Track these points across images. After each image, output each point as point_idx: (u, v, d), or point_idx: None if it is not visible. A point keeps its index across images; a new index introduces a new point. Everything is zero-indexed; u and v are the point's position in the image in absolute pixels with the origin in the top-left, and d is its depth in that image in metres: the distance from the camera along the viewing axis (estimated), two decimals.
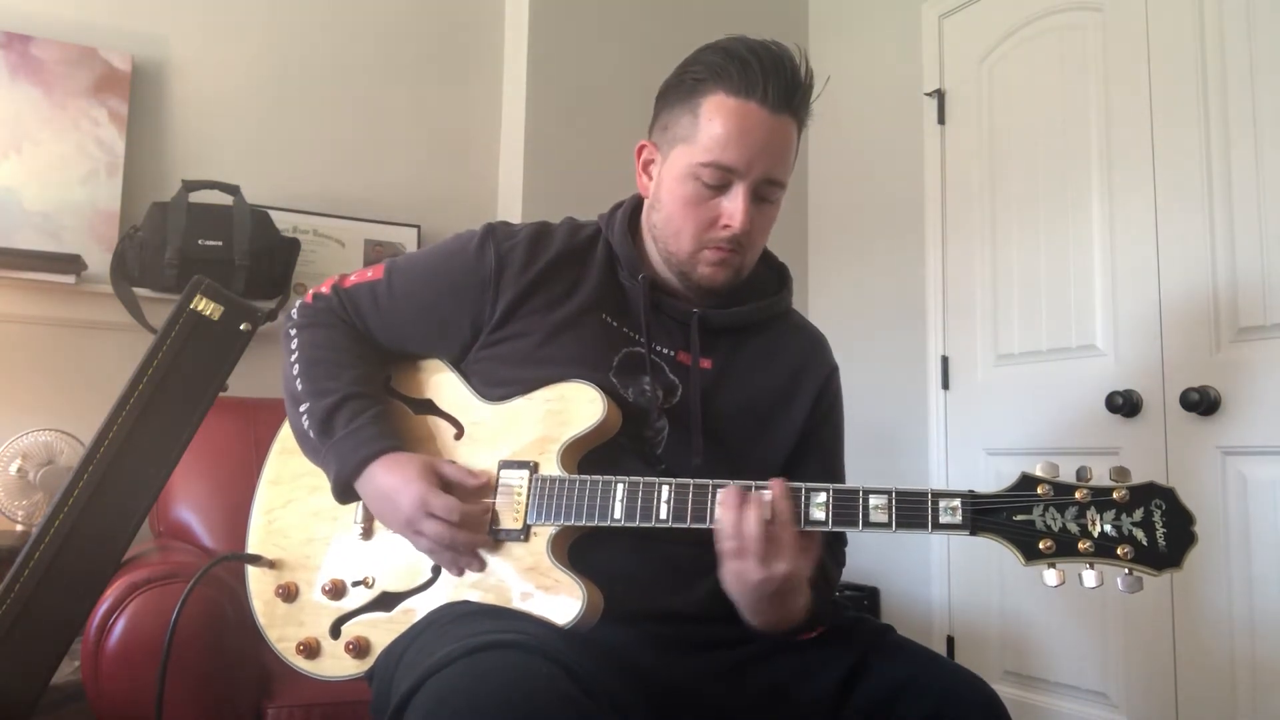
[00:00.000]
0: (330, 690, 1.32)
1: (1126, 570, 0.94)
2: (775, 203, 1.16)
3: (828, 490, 1.01)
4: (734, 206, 1.11)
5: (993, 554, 2.43)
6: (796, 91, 1.11)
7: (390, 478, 1.10)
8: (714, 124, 1.10)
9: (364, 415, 1.15)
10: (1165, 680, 2.06)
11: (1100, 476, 0.97)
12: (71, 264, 2.14)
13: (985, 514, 0.97)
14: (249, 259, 2.24)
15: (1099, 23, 2.33)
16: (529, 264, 1.18)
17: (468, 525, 1.09)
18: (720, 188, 1.12)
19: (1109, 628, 2.19)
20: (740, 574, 1.01)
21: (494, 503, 1.13)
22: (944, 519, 0.97)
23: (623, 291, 1.21)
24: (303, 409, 1.18)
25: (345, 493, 1.15)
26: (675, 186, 1.14)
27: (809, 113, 1.15)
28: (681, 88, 1.14)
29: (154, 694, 1.23)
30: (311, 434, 1.17)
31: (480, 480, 1.12)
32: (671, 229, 1.16)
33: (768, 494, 1.01)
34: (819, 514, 1.01)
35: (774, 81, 1.09)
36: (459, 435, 1.20)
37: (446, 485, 1.11)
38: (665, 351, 1.19)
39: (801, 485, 1.02)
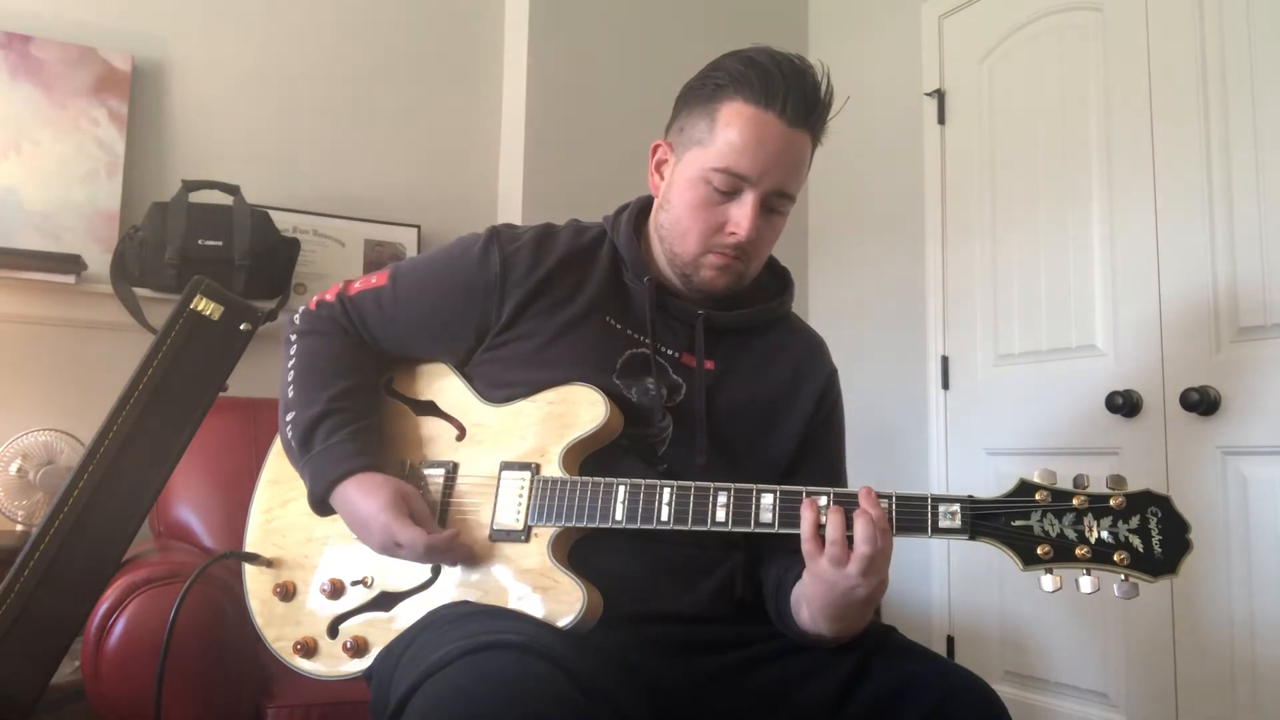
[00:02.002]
0: (330, 690, 1.32)
1: (1123, 576, 0.95)
2: (783, 214, 1.17)
3: (828, 494, 1.02)
4: (742, 214, 1.12)
5: (992, 555, 2.41)
6: (815, 107, 1.12)
7: (362, 503, 1.11)
8: (731, 131, 1.10)
9: (343, 431, 1.16)
10: (1165, 680, 2.06)
11: (1097, 483, 0.98)
12: (71, 264, 2.14)
13: (984, 519, 0.98)
14: (249, 259, 2.24)
15: (1099, 23, 2.33)
16: (533, 268, 1.19)
17: (438, 551, 1.09)
18: (730, 194, 1.12)
19: (1109, 628, 2.19)
20: (835, 582, 0.99)
21: (495, 503, 1.13)
22: (943, 524, 0.98)
23: (627, 293, 1.22)
24: (289, 417, 1.19)
25: (320, 507, 1.17)
26: (686, 189, 1.15)
27: (824, 130, 1.16)
28: (702, 92, 1.14)
29: (153, 693, 1.24)
30: (294, 444, 1.18)
31: (439, 538, 1.09)
32: (678, 230, 1.16)
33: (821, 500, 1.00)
34: (819, 517, 1.01)
35: (794, 95, 1.09)
36: (460, 437, 1.20)
37: (414, 514, 1.11)
38: (669, 353, 1.20)
39: (802, 489, 1.03)
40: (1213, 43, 2.08)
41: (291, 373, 1.23)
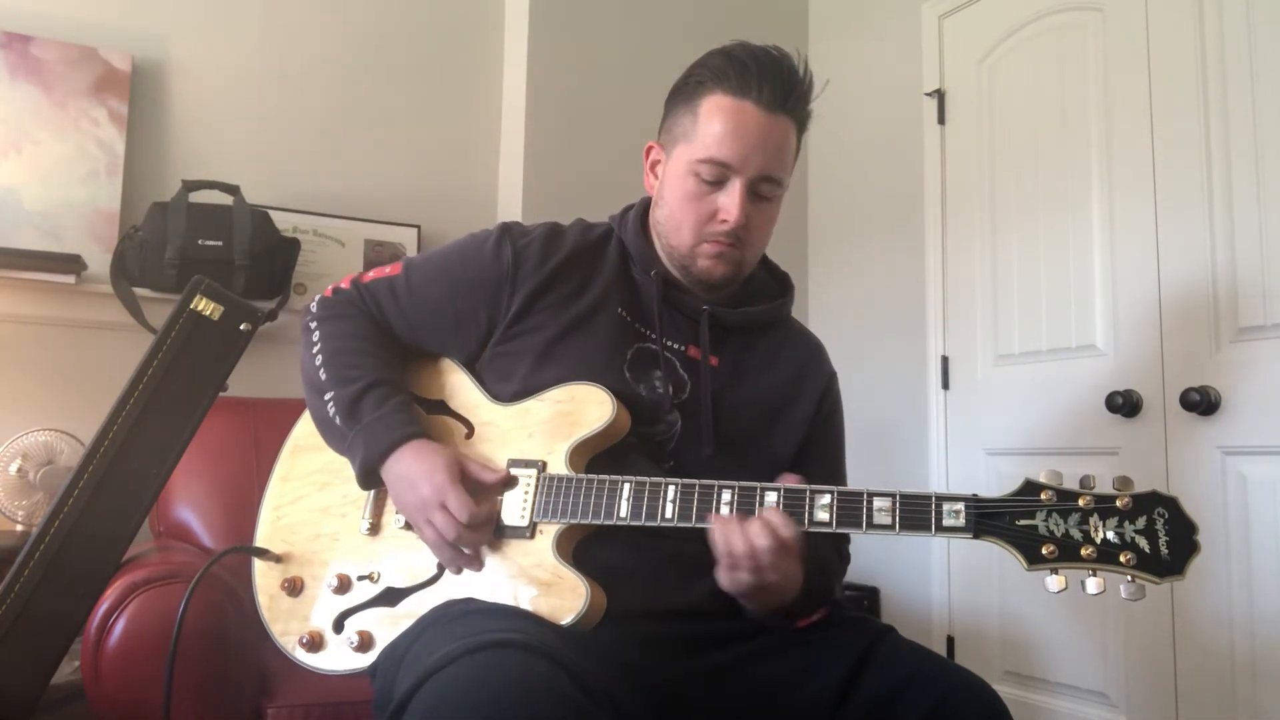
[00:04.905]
0: (331, 690, 1.32)
1: (1129, 577, 0.94)
2: (774, 200, 1.19)
3: (832, 493, 1.02)
4: (730, 202, 1.15)
5: (993, 554, 2.42)
6: (793, 92, 1.15)
7: (418, 463, 1.12)
8: (712, 122, 1.14)
9: (391, 401, 1.17)
10: (1165, 680, 2.06)
11: (1103, 484, 0.97)
12: (71, 264, 2.14)
13: (988, 518, 0.98)
14: (249, 259, 2.24)
15: (1099, 23, 2.33)
16: (544, 260, 1.22)
17: (475, 527, 1.10)
18: (717, 183, 1.16)
19: (1109, 628, 2.19)
20: (734, 580, 1.04)
21: (501, 501, 1.14)
22: (947, 521, 0.98)
23: (635, 287, 1.24)
24: (328, 397, 1.19)
25: (370, 476, 1.16)
26: (676, 183, 1.18)
27: (808, 114, 1.19)
28: (685, 90, 1.19)
29: (153, 694, 1.24)
30: (338, 420, 1.18)
31: (498, 477, 1.13)
32: (673, 224, 1.20)
33: (767, 509, 1.03)
34: (823, 515, 1.02)
35: (769, 82, 1.13)
36: (469, 435, 1.21)
37: (467, 483, 1.12)
38: (675, 346, 1.22)
39: (806, 487, 1.04)
40: (1213, 43, 2.08)
41: (319, 357, 1.23)
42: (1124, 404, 2.14)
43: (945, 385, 2.63)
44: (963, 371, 2.59)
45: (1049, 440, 2.33)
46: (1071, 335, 2.32)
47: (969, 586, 2.51)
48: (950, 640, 2.54)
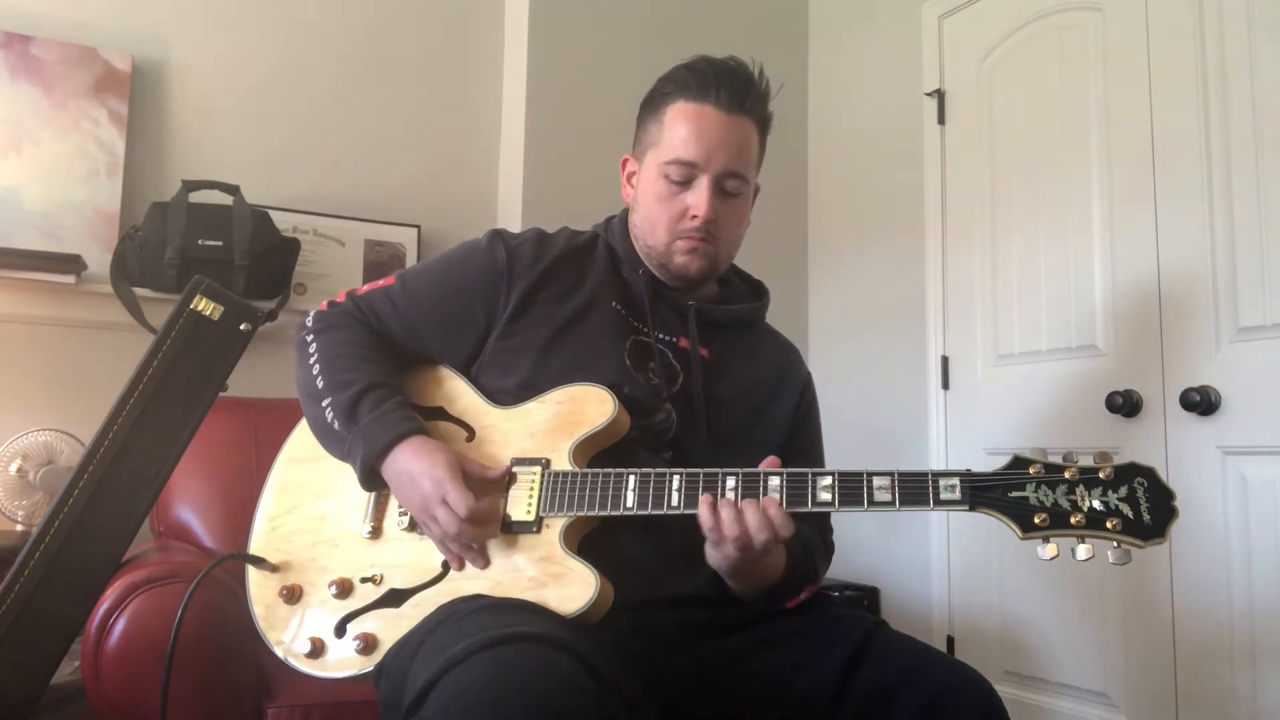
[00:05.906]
0: (331, 691, 1.32)
1: (1115, 543, 0.99)
2: (740, 196, 1.26)
3: (833, 474, 1.05)
4: (698, 198, 1.22)
5: (992, 554, 2.43)
6: (748, 94, 1.23)
7: (417, 460, 1.13)
8: (676, 127, 1.23)
9: (388, 402, 1.19)
10: (1165, 680, 2.06)
11: (1085, 460, 1.04)
12: (71, 264, 2.14)
13: (982, 491, 1.03)
14: (249, 259, 2.24)
15: (1099, 23, 2.33)
16: (537, 259, 1.27)
17: (476, 521, 1.10)
18: (685, 183, 1.23)
19: (1109, 628, 2.19)
20: (723, 555, 1.09)
21: (506, 497, 1.14)
22: (944, 496, 1.03)
23: (625, 284, 1.30)
24: (325, 403, 1.20)
25: (371, 476, 1.17)
26: (649, 187, 1.26)
27: (768, 115, 1.27)
28: (652, 103, 1.28)
29: (153, 694, 1.23)
30: (336, 425, 1.19)
31: (499, 473, 1.15)
32: (648, 224, 1.27)
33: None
34: (826, 495, 1.05)
35: (726, 86, 1.22)
36: (470, 438, 1.22)
37: (468, 480, 1.13)
38: (667, 338, 1.28)
39: (808, 470, 1.06)
40: (1213, 43, 2.08)
41: (316, 365, 1.24)
42: (1124, 404, 2.14)
43: (945, 385, 2.63)
44: (963, 371, 2.59)
45: (1049, 440, 2.32)
46: (1071, 335, 2.32)
47: (969, 586, 2.51)
48: (950, 640, 2.54)
